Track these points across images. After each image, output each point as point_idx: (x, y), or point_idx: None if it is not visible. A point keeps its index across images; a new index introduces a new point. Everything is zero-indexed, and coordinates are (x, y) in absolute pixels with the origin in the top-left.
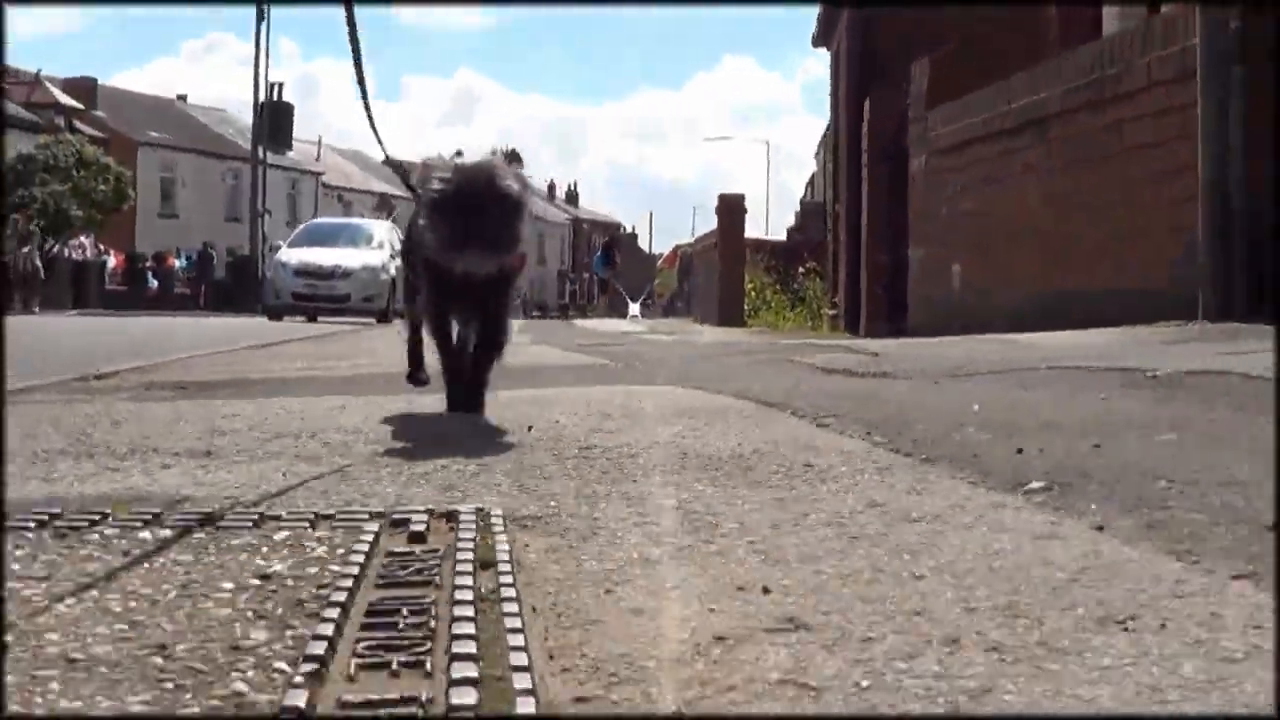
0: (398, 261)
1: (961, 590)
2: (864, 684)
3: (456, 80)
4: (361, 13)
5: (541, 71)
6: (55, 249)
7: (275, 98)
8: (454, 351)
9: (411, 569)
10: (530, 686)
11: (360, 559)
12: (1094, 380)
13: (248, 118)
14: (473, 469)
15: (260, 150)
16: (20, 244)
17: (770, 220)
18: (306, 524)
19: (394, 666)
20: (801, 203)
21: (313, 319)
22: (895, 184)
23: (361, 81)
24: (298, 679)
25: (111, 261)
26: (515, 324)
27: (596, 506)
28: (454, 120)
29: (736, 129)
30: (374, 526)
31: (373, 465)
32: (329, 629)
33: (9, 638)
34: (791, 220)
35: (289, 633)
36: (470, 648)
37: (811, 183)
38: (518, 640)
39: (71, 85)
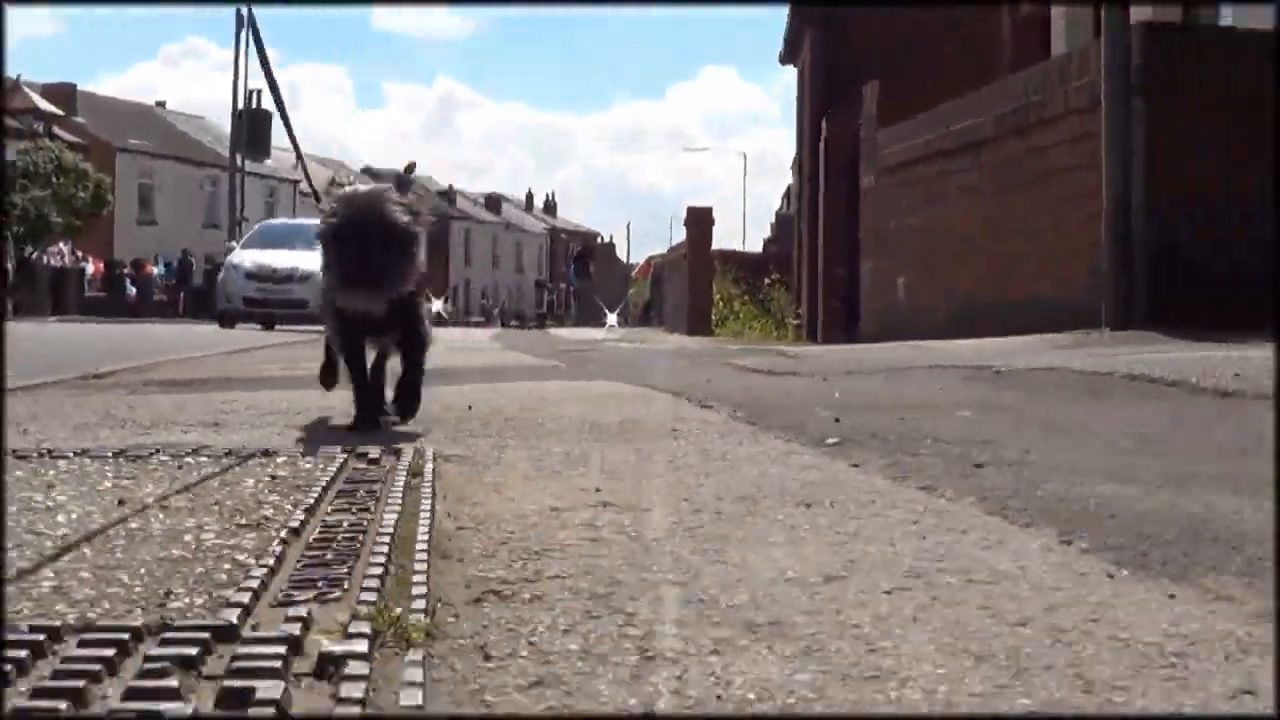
0: None
1: (720, 490)
2: (629, 528)
3: (437, 88)
4: (341, 17)
5: (522, 80)
6: (34, 255)
7: (254, 105)
8: (362, 381)
9: (368, 475)
10: (429, 520)
11: (335, 469)
12: (951, 375)
13: (226, 125)
14: (420, 429)
15: (239, 158)
16: None
17: (748, 231)
18: (299, 455)
19: (354, 511)
20: (777, 214)
21: (270, 326)
22: (851, 200)
23: (282, 108)
24: (298, 514)
25: (90, 268)
26: (489, 332)
27: (503, 451)
28: (435, 128)
29: (716, 140)
30: (344, 456)
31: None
32: (314, 496)
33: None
34: (768, 232)
35: (291, 497)
36: (397, 505)
37: (787, 195)
38: (427, 505)
39: (51, 91)
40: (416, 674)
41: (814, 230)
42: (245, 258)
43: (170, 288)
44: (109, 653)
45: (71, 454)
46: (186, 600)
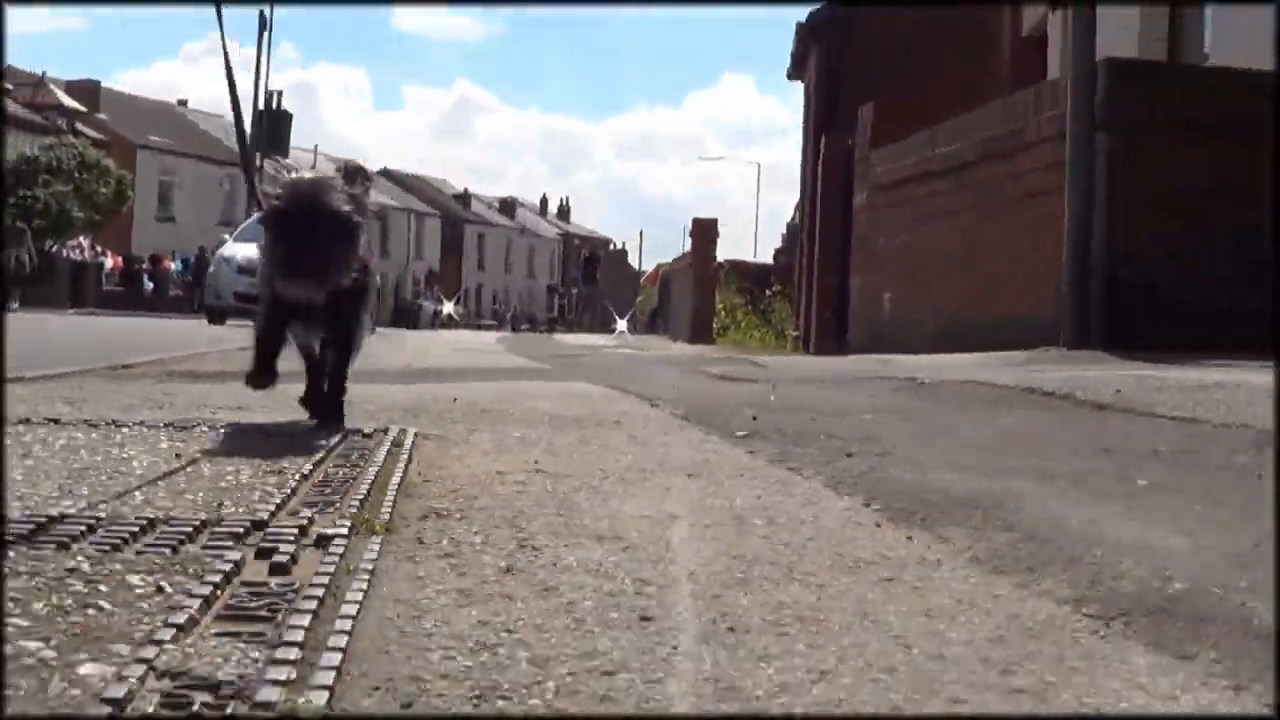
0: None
1: (631, 464)
2: (547, 485)
3: (455, 91)
4: (362, 17)
5: (539, 84)
6: (54, 249)
7: (274, 105)
8: (265, 353)
9: (361, 444)
10: (402, 474)
11: (337, 440)
12: (883, 386)
13: (247, 124)
14: (409, 416)
15: (258, 157)
16: (11, 244)
17: (760, 241)
18: (310, 429)
19: (348, 465)
20: (787, 226)
21: None
22: (845, 216)
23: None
24: (308, 466)
25: (109, 263)
26: (496, 335)
27: (472, 434)
28: (452, 131)
29: (733, 149)
30: (344, 431)
31: (356, 413)
32: (320, 456)
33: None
34: (780, 243)
35: (304, 456)
36: (379, 463)
37: (798, 207)
38: (402, 465)
39: (75, 87)
40: (375, 546)
41: (812, 243)
42: (237, 251)
43: (186, 284)
44: (190, 529)
45: (130, 424)
46: (232, 509)
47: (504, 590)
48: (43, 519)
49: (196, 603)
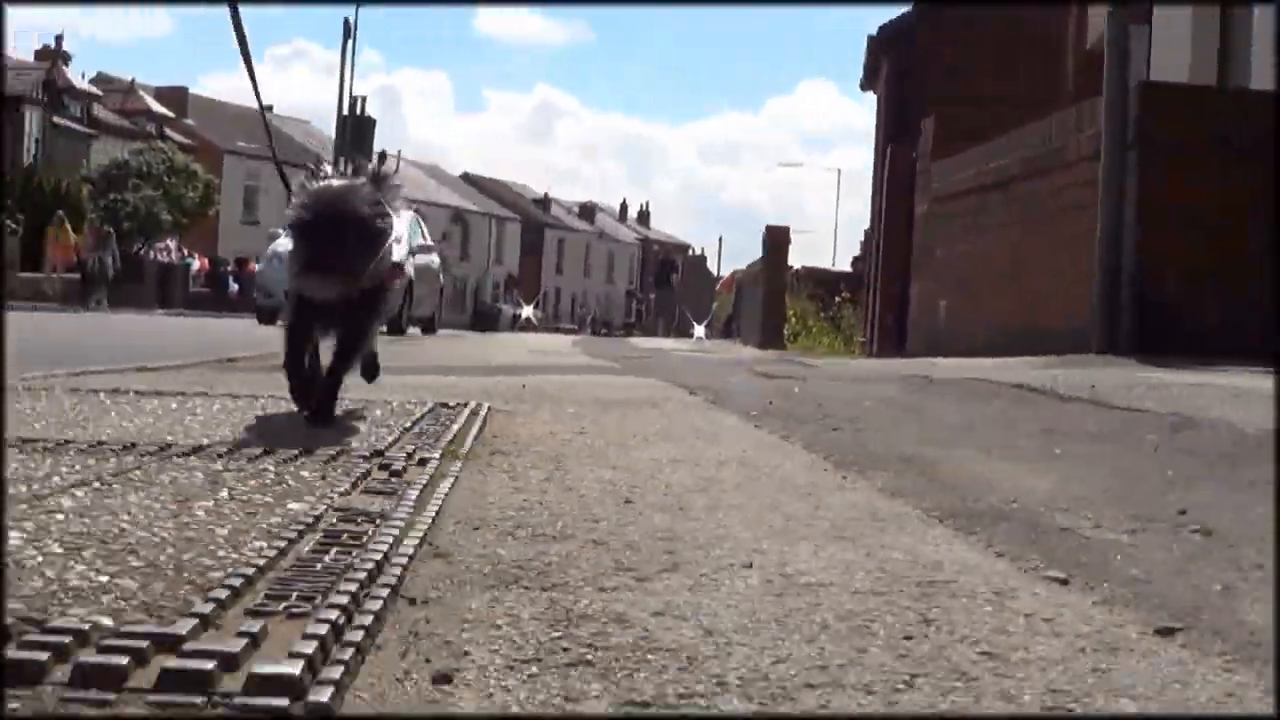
0: (419, 259)
1: (658, 431)
2: (587, 442)
3: (536, 95)
4: (443, 20)
5: (620, 89)
6: (143, 251)
7: (359, 111)
8: (302, 373)
9: (447, 413)
10: (478, 431)
11: (426, 410)
12: (900, 383)
13: (330, 130)
14: (485, 397)
15: (342, 163)
16: (96, 247)
17: (840, 248)
18: (407, 403)
19: (437, 425)
20: (865, 233)
21: None
22: (907, 225)
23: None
24: (407, 423)
25: (195, 265)
26: (573, 338)
27: (535, 410)
28: (532, 135)
29: (814, 155)
30: (432, 403)
31: (442, 394)
32: (415, 418)
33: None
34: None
35: (403, 418)
36: (456, 427)
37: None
38: (478, 425)
39: (163, 94)
40: (457, 465)
41: (878, 252)
42: (289, 246)
43: None
44: (332, 453)
45: (262, 396)
46: (358, 445)
47: (540, 487)
48: (233, 443)
49: (347, 483)
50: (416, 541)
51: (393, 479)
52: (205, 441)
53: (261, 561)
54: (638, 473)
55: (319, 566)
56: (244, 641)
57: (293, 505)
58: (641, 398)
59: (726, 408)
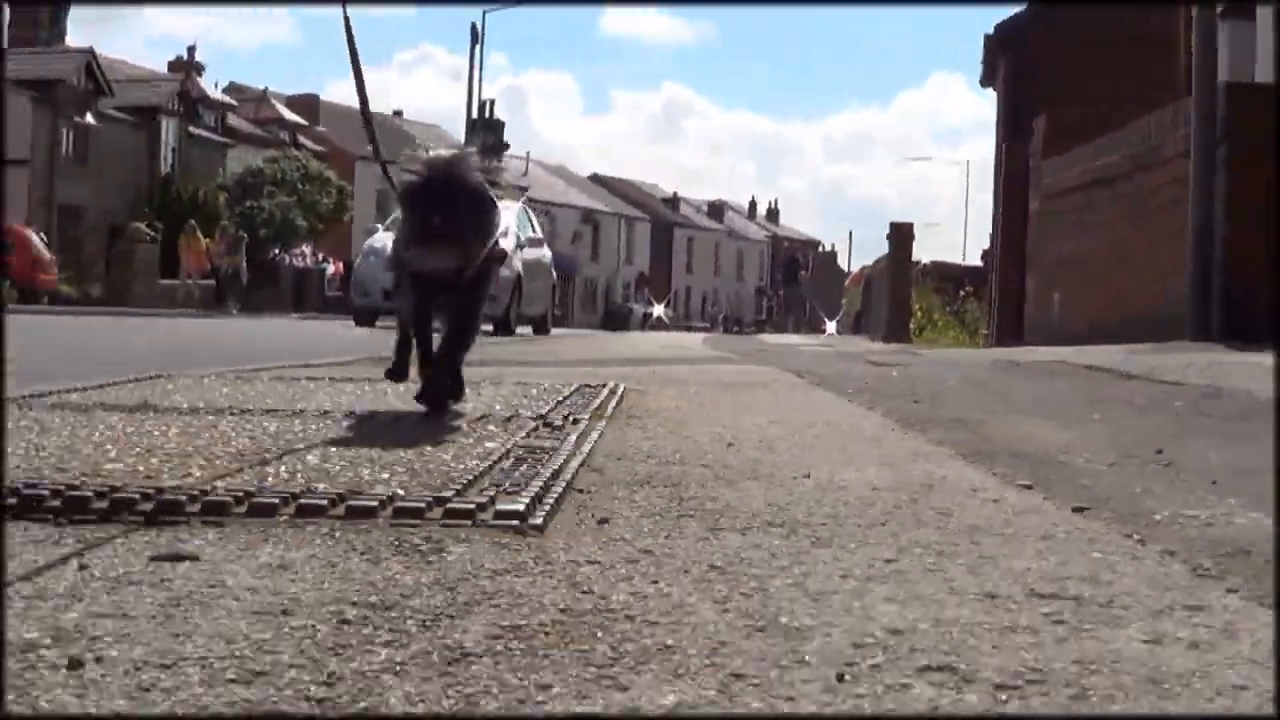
0: (529, 254)
1: (763, 404)
2: (703, 412)
3: (663, 94)
4: (570, 21)
5: (748, 87)
6: (278, 256)
7: (487, 113)
8: (429, 352)
9: (590, 391)
10: (616, 405)
11: (572, 390)
12: (990, 367)
13: (459, 133)
14: (621, 381)
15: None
16: (229, 250)
17: (972, 242)
18: (560, 386)
19: (583, 399)
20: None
21: None
22: (1023, 221)
23: (361, 88)
24: (561, 396)
25: (330, 269)
26: (702, 336)
27: (661, 390)
28: (660, 134)
29: (944, 148)
30: (577, 384)
31: (584, 379)
32: (564, 395)
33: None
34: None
35: (557, 395)
36: (599, 400)
37: None
38: (616, 399)
39: (295, 101)
40: (602, 424)
41: (998, 247)
42: (387, 240)
43: None
44: (505, 418)
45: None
46: (525, 412)
47: (664, 437)
48: (427, 411)
49: (522, 433)
50: (578, 463)
51: (555, 431)
52: (404, 410)
53: (480, 470)
54: (741, 429)
55: (517, 474)
56: (486, 498)
57: (489, 444)
58: (754, 381)
59: (827, 388)
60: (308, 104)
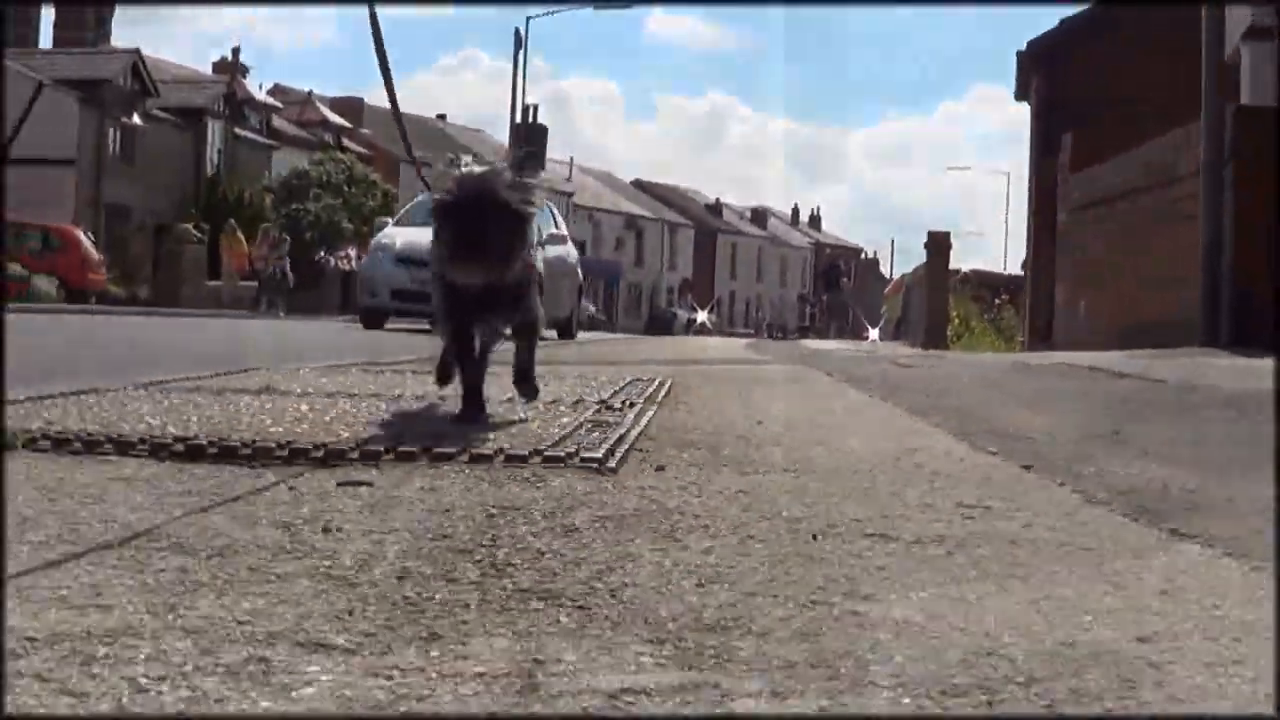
0: (551, 251)
1: (793, 396)
2: (738, 399)
3: (706, 100)
4: (616, 27)
5: (791, 94)
6: (324, 258)
7: (531, 119)
8: (469, 363)
9: (641, 384)
10: (666, 393)
11: (628, 381)
12: (1005, 368)
13: (502, 136)
14: (669, 376)
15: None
16: (271, 251)
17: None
18: (618, 378)
19: (639, 386)
20: None
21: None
22: (1054, 232)
23: (390, 88)
24: (619, 385)
25: None
26: (745, 341)
27: (705, 384)
28: (703, 141)
29: (987, 158)
30: (630, 379)
31: (636, 374)
32: (622, 385)
33: None
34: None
35: (614, 385)
36: (650, 390)
37: None
38: (665, 389)
39: (339, 104)
40: (654, 408)
41: (1031, 257)
42: (397, 236)
43: None
44: (572, 402)
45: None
46: (589, 399)
47: (706, 417)
48: (506, 400)
49: (590, 413)
50: (637, 432)
51: (616, 412)
52: (491, 396)
53: (562, 435)
54: (772, 413)
55: (590, 438)
56: (571, 450)
57: (564, 420)
58: (788, 378)
59: (852, 384)
60: (352, 106)
